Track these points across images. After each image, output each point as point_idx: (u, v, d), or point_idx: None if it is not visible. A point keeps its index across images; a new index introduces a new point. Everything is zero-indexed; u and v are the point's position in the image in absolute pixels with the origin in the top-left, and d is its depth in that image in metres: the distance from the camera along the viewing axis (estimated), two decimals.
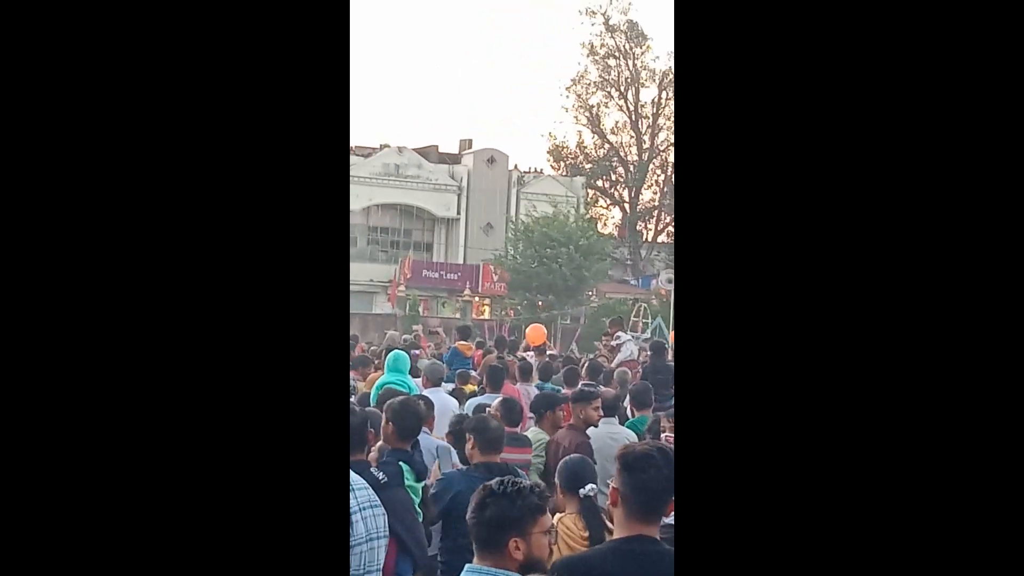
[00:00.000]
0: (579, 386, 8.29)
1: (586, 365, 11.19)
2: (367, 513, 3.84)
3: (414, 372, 9.31)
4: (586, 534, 4.33)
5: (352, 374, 9.97)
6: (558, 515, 4.32)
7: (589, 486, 4.45)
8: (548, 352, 14.87)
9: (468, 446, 5.39)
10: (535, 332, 14.72)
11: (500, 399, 7.01)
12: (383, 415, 5.25)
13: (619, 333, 15.31)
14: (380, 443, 5.20)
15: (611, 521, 3.32)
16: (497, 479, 3.05)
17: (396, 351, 9.13)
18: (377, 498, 3.98)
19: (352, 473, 3.85)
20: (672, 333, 22.28)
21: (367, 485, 3.98)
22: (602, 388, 8.23)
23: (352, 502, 3.75)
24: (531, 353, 14.56)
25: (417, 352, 13.08)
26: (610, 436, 6.72)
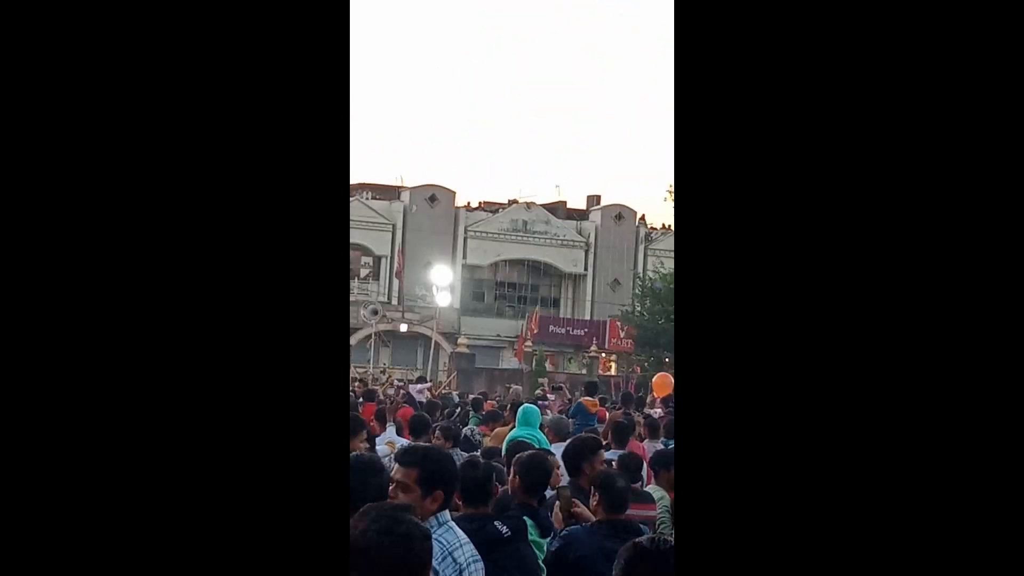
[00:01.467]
0: None
1: None
2: (472, 568, 3.76)
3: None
4: None
5: (480, 428, 10.01)
6: None
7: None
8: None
9: (593, 502, 5.35)
10: (662, 381, 14.17)
11: (620, 454, 6.94)
12: (511, 468, 5.25)
13: None
14: (499, 496, 5.18)
15: None
16: (647, 536, 2.97)
17: (527, 405, 9.14)
18: (477, 554, 3.82)
19: (457, 528, 3.78)
20: None
21: (468, 541, 3.82)
22: None
23: (460, 557, 3.69)
24: (658, 410, 14.38)
25: (546, 404, 13.07)
26: None
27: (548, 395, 16.22)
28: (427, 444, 6.32)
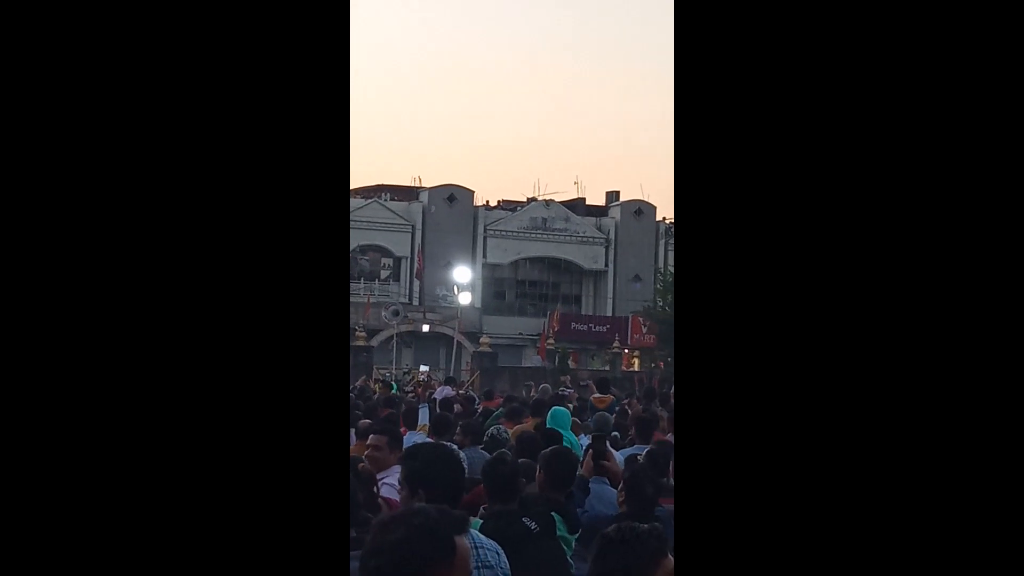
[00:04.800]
0: None
1: None
2: (485, 575, 3.67)
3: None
4: None
5: (503, 423, 10.00)
6: None
7: None
8: None
9: (619, 499, 5.33)
10: None
11: (648, 449, 6.91)
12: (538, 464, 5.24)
13: None
14: (527, 491, 5.17)
15: None
16: (614, 526, 3.00)
17: (556, 408, 9.13)
18: (488, 559, 3.68)
19: (476, 532, 3.68)
20: None
21: (475, 545, 3.68)
22: None
23: (473, 559, 3.60)
24: None
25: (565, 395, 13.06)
26: None
27: (567, 388, 16.27)
28: (434, 443, 6.29)
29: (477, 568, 3.65)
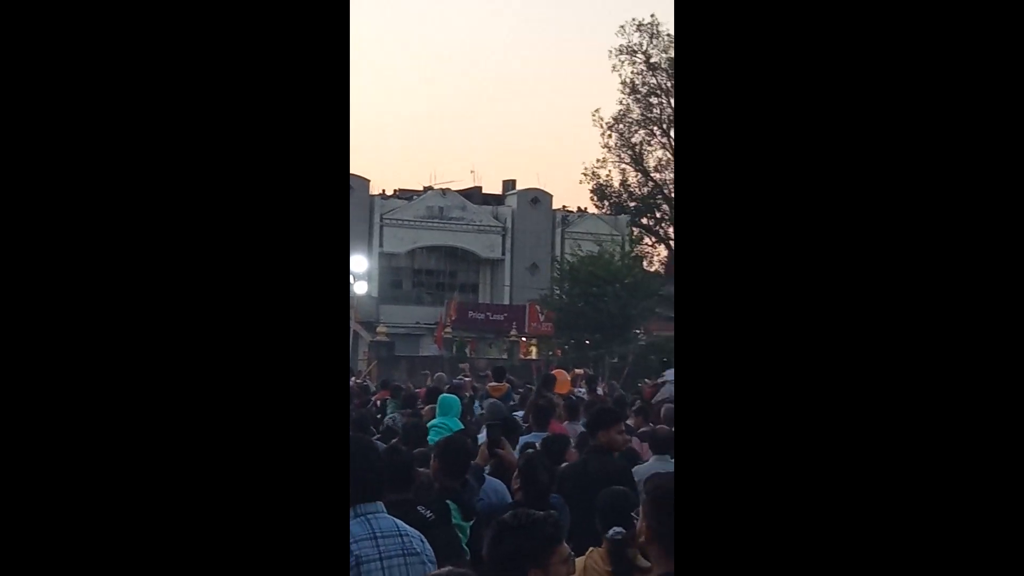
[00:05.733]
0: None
1: (636, 406, 11.11)
2: (394, 562, 3.69)
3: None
4: (610, 569, 4.27)
5: (400, 414, 9.98)
6: (591, 548, 4.29)
7: (614, 530, 4.35)
8: (598, 390, 14.75)
9: (514, 487, 5.37)
10: (560, 379, 14.08)
11: (544, 437, 6.97)
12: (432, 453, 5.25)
13: (664, 372, 15.14)
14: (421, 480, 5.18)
15: (645, 557, 3.27)
16: (511, 512, 3.04)
17: (445, 395, 9.13)
18: (412, 546, 3.75)
19: (380, 519, 3.72)
20: None
21: (399, 533, 3.76)
22: (658, 426, 8.12)
23: (357, 550, 3.57)
24: (583, 390, 14.43)
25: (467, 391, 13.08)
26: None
27: (465, 376, 16.28)
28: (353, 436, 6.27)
29: (403, 555, 3.67)
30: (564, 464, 6.37)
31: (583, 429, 8.85)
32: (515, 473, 5.61)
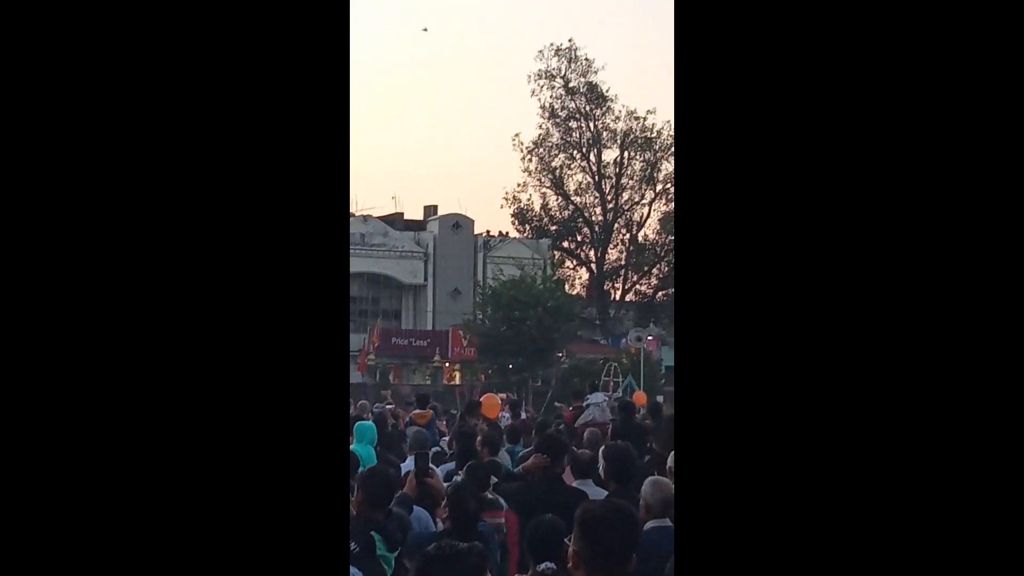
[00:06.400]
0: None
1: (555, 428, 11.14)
2: None
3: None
4: None
5: None
6: None
7: (545, 564, 4.32)
8: (522, 415, 14.76)
9: (442, 516, 5.35)
10: (489, 403, 14.12)
11: (467, 465, 6.94)
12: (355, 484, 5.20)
13: (589, 395, 15.19)
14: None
15: None
16: (435, 544, 3.04)
17: (360, 422, 9.06)
18: None
19: None
20: (641, 392, 22.16)
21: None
22: (580, 451, 8.13)
23: None
24: (507, 415, 14.42)
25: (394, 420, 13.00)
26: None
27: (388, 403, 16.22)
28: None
29: None
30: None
31: (506, 454, 8.85)
32: (443, 502, 5.59)
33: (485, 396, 15.26)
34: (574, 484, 6.80)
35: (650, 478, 4.96)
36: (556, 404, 18.34)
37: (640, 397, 20.36)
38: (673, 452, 6.17)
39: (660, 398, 24.43)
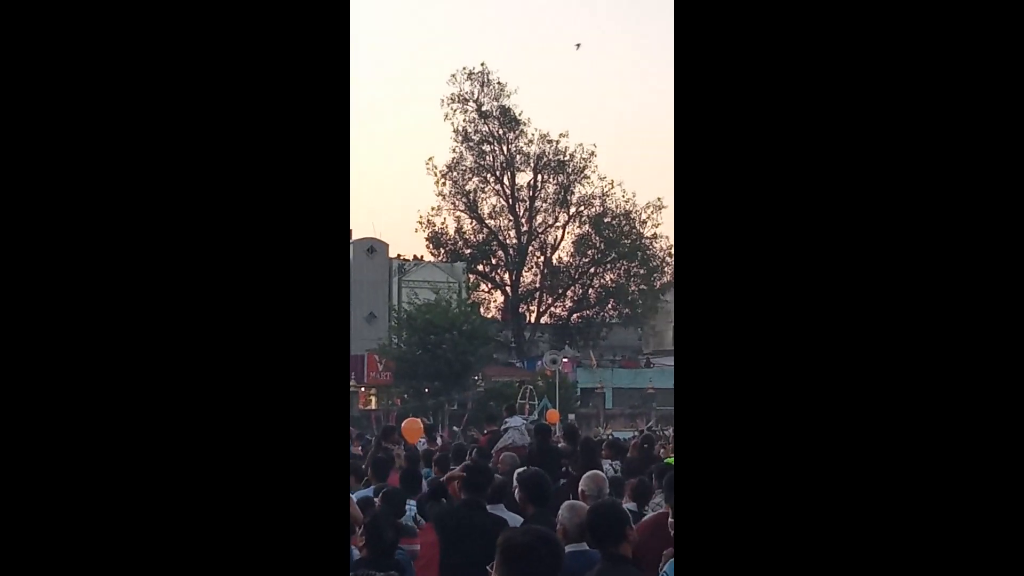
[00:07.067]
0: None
1: (474, 452, 11.11)
2: None
3: None
4: None
5: None
6: None
7: None
8: (437, 439, 14.71)
9: (359, 543, 5.31)
10: (410, 427, 14.06)
11: (384, 491, 6.91)
12: None
13: (508, 419, 15.18)
14: None
15: None
16: (352, 574, 3.04)
17: None
18: None
19: None
20: (555, 410, 22.17)
21: None
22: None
23: None
24: (423, 440, 14.37)
25: None
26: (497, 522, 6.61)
27: None
28: None
29: None
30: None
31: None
32: (359, 530, 5.54)
33: (407, 420, 15.18)
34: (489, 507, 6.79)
35: (567, 503, 4.99)
36: (468, 431, 18.28)
37: (553, 415, 20.39)
38: (586, 474, 6.23)
39: (572, 416, 24.51)
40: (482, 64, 48.77)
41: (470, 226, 48.16)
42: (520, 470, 7.20)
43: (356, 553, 5.66)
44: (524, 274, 48.20)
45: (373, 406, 36.81)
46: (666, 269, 44.95)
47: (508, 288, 48.14)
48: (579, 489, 6.03)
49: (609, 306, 47.22)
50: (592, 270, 47.18)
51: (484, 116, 46.96)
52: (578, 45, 77.96)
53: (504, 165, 47.22)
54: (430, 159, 47.84)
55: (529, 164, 47.17)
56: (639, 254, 45.82)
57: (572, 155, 46.59)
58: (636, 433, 17.95)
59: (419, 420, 15.95)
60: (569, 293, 47.96)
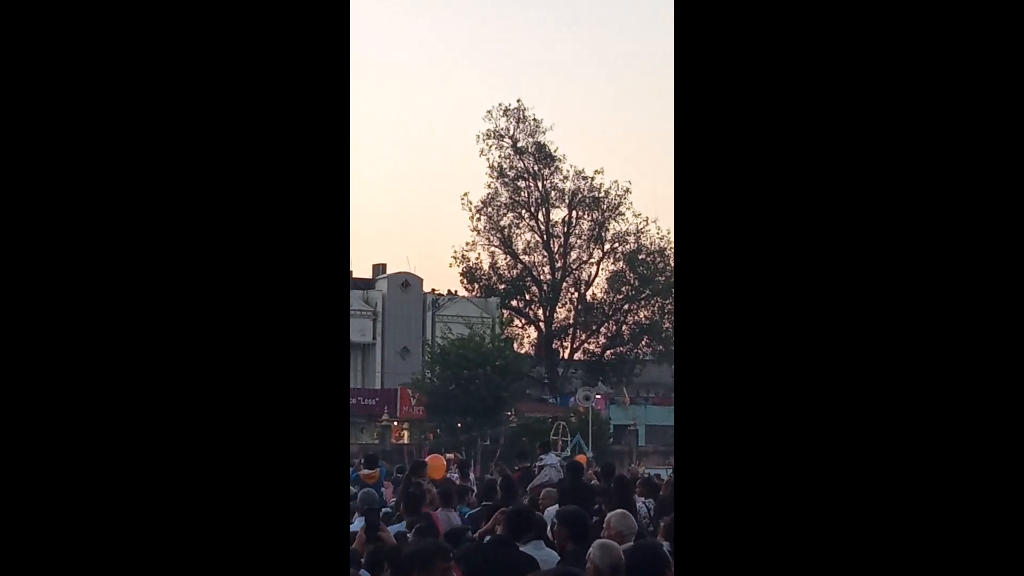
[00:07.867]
0: None
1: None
2: None
3: None
4: None
5: None
6: None
7: None
8: (470, 475, 14.66)
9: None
10: (434, 464, 13.92)
11: (416, 527, 6.87)
12: None
13: (542, 455, 15.08)
14: None
15: None
16: None
17: None
18: None
19: None
20: (582, 455, 22.05)
21: None
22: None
23: None
24: (455, 475, 14.31)
25: None
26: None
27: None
28: None
29: None
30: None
31: (457, 515, 8.77)
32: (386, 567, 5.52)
33: (431, 457, 15.11)
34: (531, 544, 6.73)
35: (598, 541, 4.93)
36: (495, 466, 18.22)
37: (581, 460, 20.24)
38: (613, 512, 6.16)
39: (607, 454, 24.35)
40: (518, 100, 49.16)
41: (504, 261, 48.26)
42: (558, 507, 7.14)
43: None
44: (558, 310, 48.17)
45: (406, 440, 36.79)
46: None
47: (542, 324, 48.10)
48: (606, 526, 5.96)
49: (643, 343, 47.04)
50: (626, 307, 47.07)
51: (519, 152, 47.15)
52: None
53: (539, 201, 47.32)
54: (465, 194, 48.10)
55: (564, 200, 47.24)
56: (673, 291, 45.69)
57: (607, 192, 46.68)
58: (670, 471, 17.81)
59: (442, 457, 15.83)
60: (603, 329, 47.86)
